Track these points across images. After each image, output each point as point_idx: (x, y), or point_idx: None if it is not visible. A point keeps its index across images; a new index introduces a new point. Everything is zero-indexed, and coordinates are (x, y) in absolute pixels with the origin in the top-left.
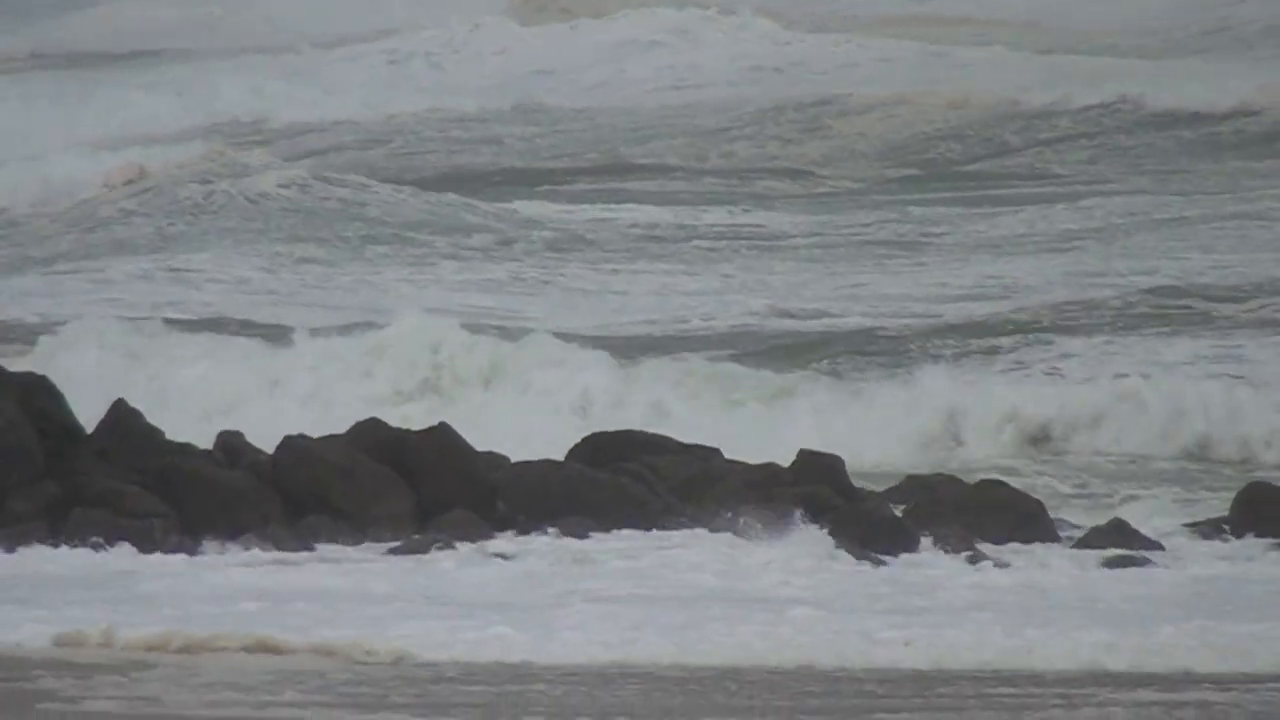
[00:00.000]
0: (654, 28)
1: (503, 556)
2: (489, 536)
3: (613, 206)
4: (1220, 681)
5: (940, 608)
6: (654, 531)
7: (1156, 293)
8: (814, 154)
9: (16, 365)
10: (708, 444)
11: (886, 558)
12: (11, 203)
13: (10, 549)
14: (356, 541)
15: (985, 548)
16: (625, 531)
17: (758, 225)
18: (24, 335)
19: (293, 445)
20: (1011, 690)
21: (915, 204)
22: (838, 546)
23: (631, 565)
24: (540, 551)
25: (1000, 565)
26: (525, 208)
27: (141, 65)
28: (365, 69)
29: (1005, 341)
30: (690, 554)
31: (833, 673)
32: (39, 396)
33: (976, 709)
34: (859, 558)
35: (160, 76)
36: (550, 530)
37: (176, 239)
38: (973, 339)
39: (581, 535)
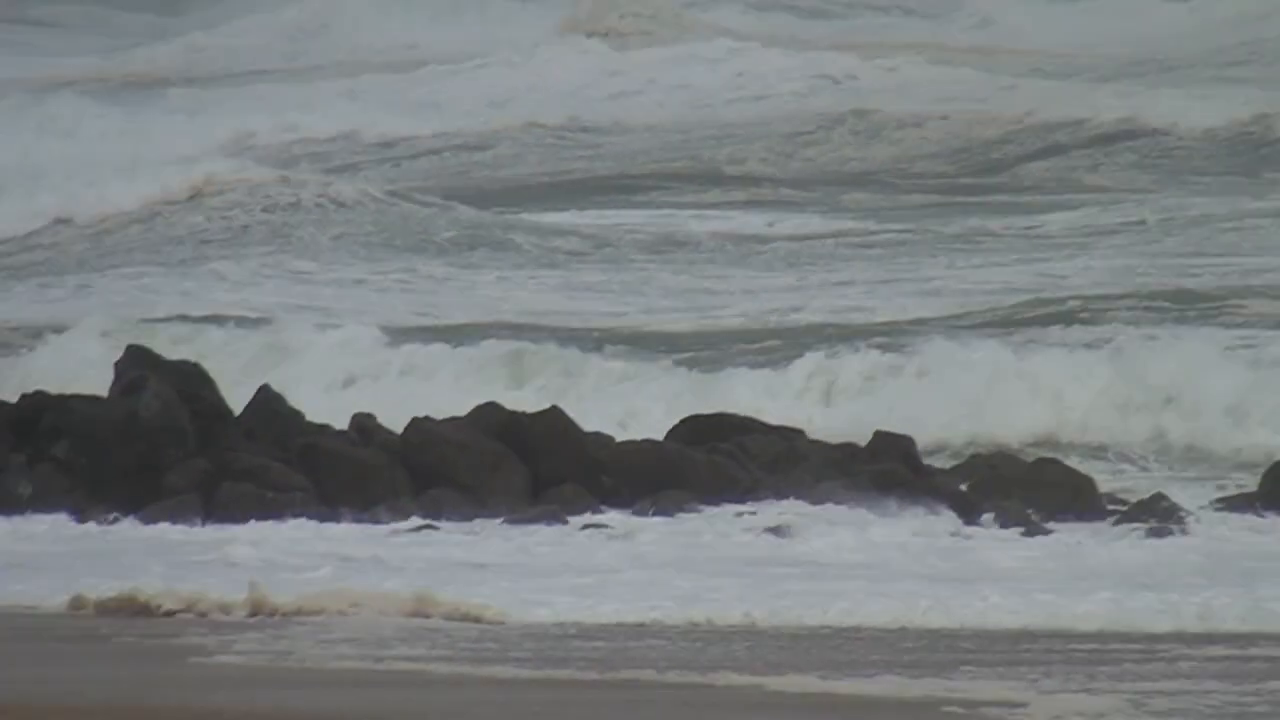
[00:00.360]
0: (719, 49)
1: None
2: (597, 510)
3: (705, 212)
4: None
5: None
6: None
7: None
8: (881, 159)
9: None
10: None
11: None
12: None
13: (155, 522)
14: (476, 514)
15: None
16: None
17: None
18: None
19: (420, 426)
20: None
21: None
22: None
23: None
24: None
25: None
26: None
27: (231, 85)
28: (450, 87)
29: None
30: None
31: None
32: (192, 382)
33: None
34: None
35: (255, 98)
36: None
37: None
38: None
39: (689, 509)
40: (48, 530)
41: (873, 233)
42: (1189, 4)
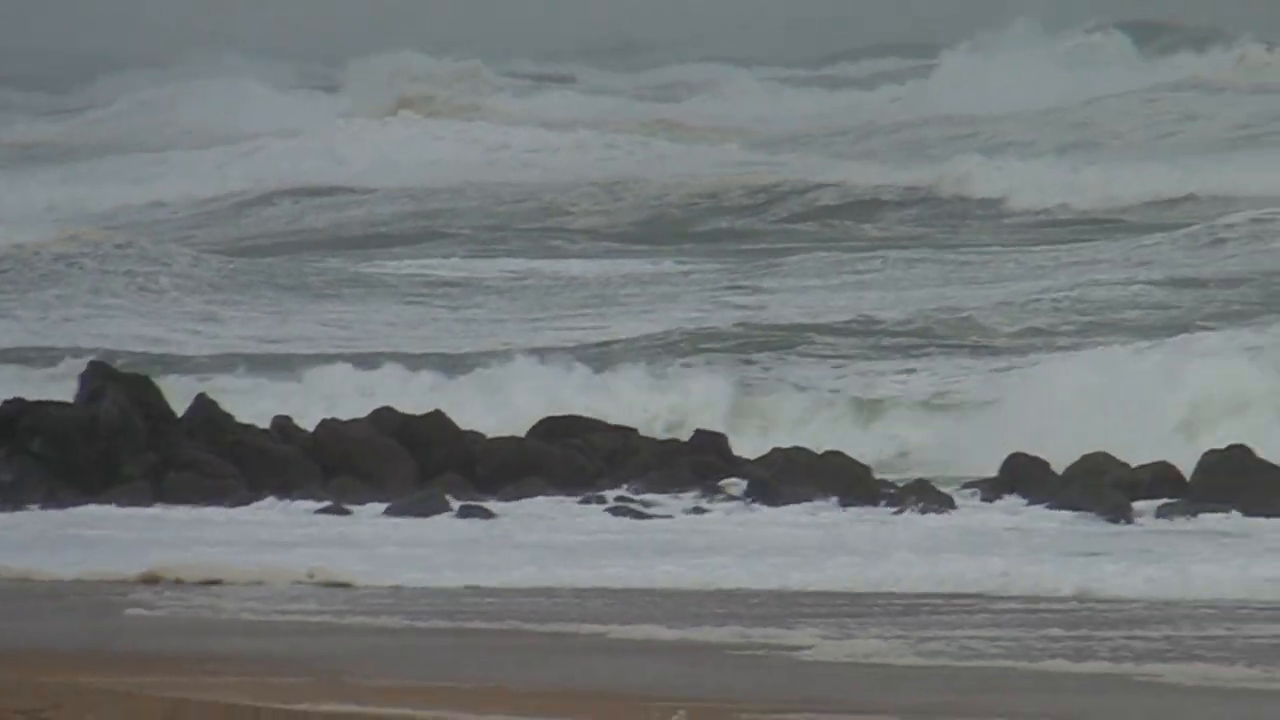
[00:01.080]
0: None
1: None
2: (473, 494)
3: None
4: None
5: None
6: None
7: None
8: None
9: None
10: None
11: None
12: None
13: (117, 504)
14: (373, 498)
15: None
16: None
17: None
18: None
19: (328, 425)
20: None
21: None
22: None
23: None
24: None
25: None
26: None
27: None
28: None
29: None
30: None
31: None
32: (143, 390)
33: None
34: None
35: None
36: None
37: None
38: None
39: (546, 494)
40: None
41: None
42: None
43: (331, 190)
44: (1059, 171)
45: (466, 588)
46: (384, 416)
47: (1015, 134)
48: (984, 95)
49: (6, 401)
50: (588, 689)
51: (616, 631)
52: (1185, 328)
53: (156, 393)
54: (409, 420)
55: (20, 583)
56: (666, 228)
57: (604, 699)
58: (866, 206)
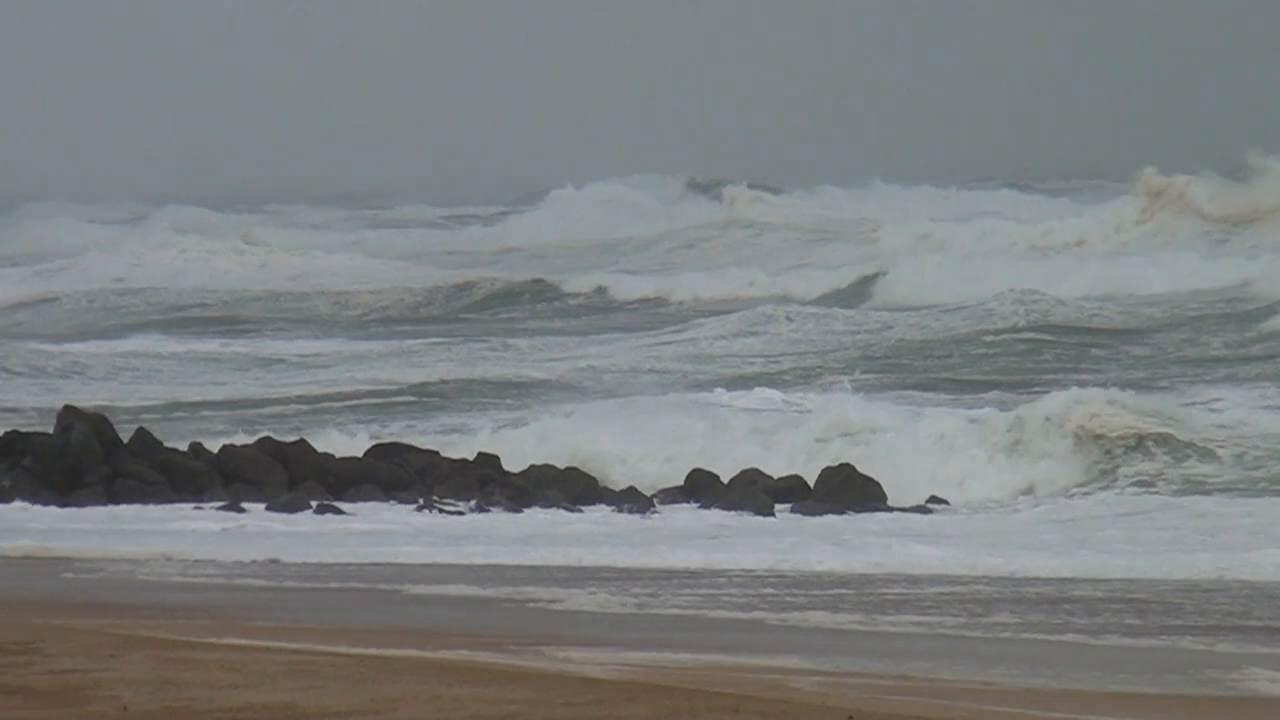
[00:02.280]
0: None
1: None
2: (325, 497)
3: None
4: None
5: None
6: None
7: None
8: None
9: None
10: None
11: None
12: None
13: (81, 505)
14: (258, 500)
15: None
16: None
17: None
18: None
19: (227, 448)
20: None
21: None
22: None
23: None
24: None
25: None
26: None
27: None
28: None
29: None
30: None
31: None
32: (101, 424)
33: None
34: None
35: None
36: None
37: None
38: None
39: (377, 499)
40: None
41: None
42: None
43: None
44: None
45: (323, 563)
46: (266, 442)
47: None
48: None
49: (6, 433)
50: (404, 627)
51: (429, 589)
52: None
53: (109, 425)
54: (282, 445)
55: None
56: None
57: (422, 634)
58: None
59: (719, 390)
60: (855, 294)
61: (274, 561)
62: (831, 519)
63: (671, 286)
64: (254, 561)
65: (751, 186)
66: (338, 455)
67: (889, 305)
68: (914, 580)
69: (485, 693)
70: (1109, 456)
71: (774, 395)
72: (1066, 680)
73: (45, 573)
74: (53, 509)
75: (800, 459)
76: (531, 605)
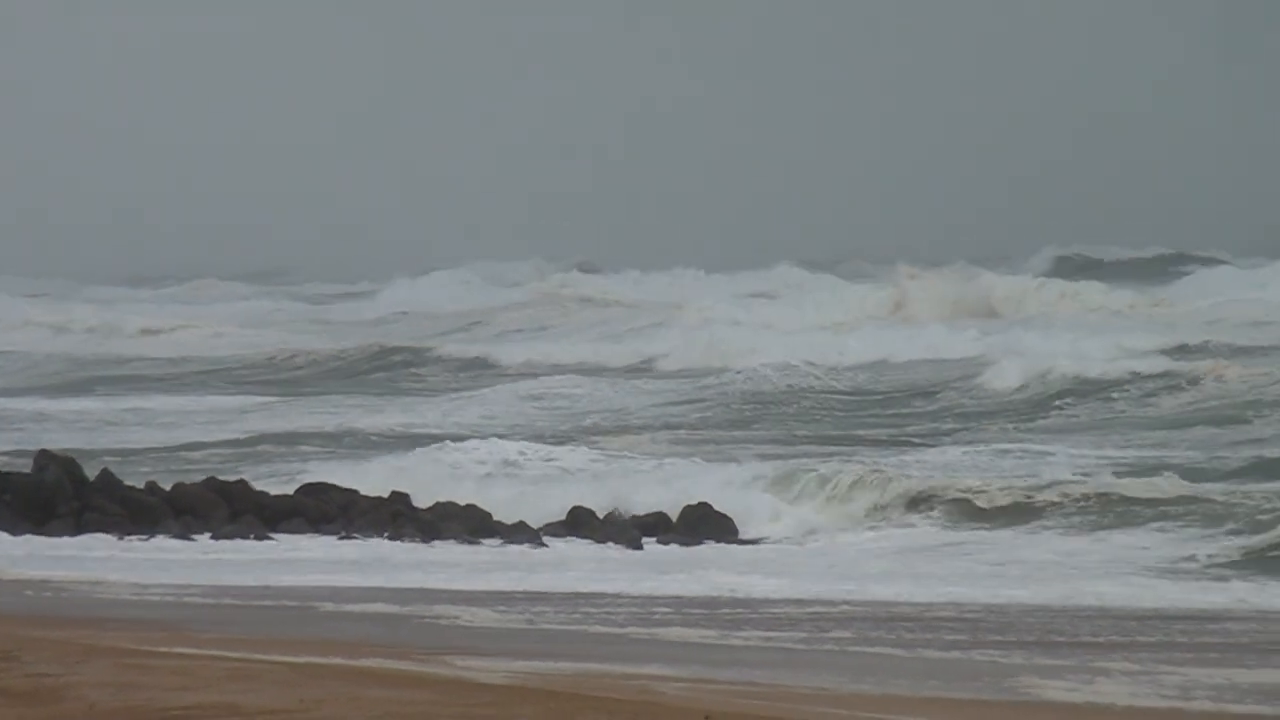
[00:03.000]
0: None
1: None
2: (261, 530)
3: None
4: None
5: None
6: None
7: None
8: None
9: None
10: None
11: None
12: None
13: (53, 535)
14: (203, 532)
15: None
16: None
17: None
18: None
19: (179, 486)
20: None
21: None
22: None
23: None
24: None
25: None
26: None
27: None
28: None
29: None
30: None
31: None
32: (71, 466)
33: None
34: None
35: None
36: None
37: None
38: None
39: (302, 531)
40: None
41: None
42: None
43: None
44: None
45: (260, 585)
46: (211, 481)
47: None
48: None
49: None
50: (329, 639)
51: (349, 607)
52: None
53: (78, 467)
54: (225, 483)
55: None
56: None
57: (344, 645)
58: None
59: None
60: (646, 365)
61: (218, 584)
62: (690, 549)
63: (496, 353)
64: (201, 584)
65: (583, 270)
66: (271, 493)
67: (673, 374)
68: (758, 603)
69: (397, 695)
70: (879, 508)
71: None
72: (888, 687)
73: (20, 592)
74: (28, 538)
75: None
76: (436, 621)
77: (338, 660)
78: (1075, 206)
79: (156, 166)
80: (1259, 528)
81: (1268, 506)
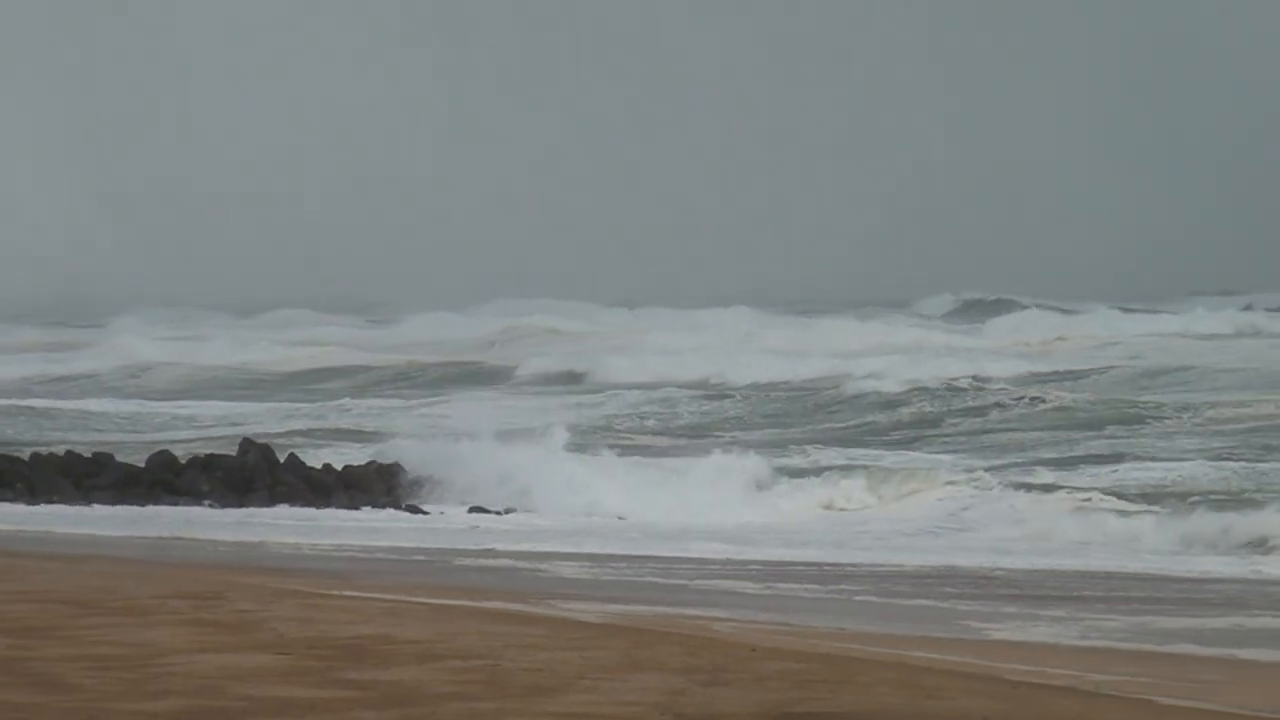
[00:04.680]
0: None
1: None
2: (414, 503)
3: None
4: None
5: None
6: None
7: None
8: None
9: None
10: None
11: None
12: None
13: (252, 506)
14: (365, 504)
15: None
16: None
17: None
18: None
19: (350, 468)
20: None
21: None
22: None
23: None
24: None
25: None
26: None
27: None
28: None
29: None
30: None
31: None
32: (265, 449)
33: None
34: None
35: None
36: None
37: None
38: None
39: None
40: None
41: None
42: None
43: None
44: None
45: (411, 546)
46: (372, 464)
47: None
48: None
49: (207, 455)
50: (461, 586)
51: (474, 562)
52: None
53: (271, 451)
54: (384, 465)
55: None
56: None
57: (466, 590)
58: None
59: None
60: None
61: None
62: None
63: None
64: (361, 544)
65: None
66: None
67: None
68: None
69: (514, 629)
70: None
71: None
72: (890, 628)
73: (227, 550)
74: (232, 510)
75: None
76: (544, 572)
77: (465, 602)
78: (977, 251)
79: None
80: None
81: None
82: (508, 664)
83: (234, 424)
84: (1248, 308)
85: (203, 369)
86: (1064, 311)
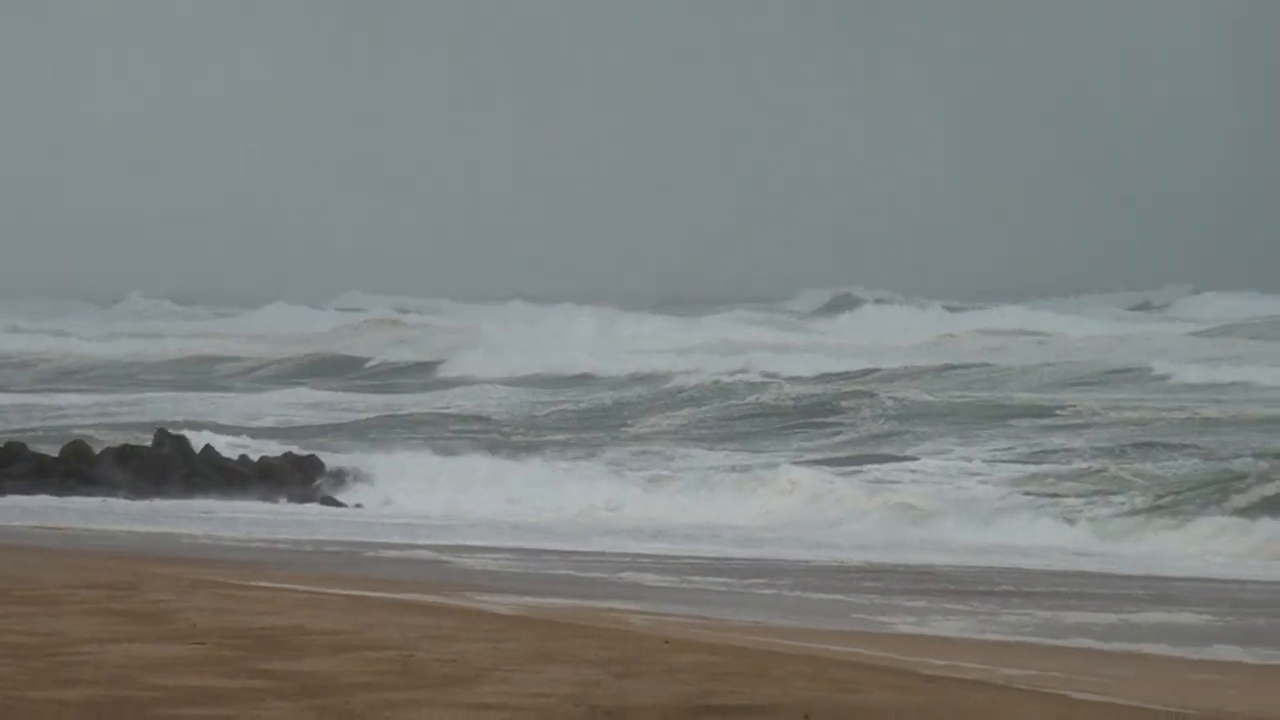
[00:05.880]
0: None
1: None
2: (331, 496)
3: None
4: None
5: None
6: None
7: None
8: None
9: None
10: None
11: None
12: None
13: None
14: (280, 495)
15: None
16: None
17: None
18: None
19: (265, 459)
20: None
21: None
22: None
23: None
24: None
25: None
26: None
27: None
28: None
29: None
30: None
31: None
32: (180, 440)
33: None
34: None
35: None
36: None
37: None
38: None
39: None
40: None
41: None
42: None
43: None
44: None
45: (326, 539)
46: (289, 455)
47: None
48: None
49: (122, 445)
50: (376, 577)
51: (390, 554)
52: None
53: (186, 441)
54: (300, 457)
55: None
56: None
57: (382, 581)
58: None
59: None
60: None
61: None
62: None
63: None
64: (279, 537)
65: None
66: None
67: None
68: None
69: (430, 621)
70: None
71: None
72: (807, 622)
73: (141, 540)
74: (145, 501)
75: None
76: (460, 565)
77: (383, 594)
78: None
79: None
80: None
81: None
82: (421, 655)
83: (105, 415)
84: (1142, 305)
85: (67, 359)
86: (919, 306)
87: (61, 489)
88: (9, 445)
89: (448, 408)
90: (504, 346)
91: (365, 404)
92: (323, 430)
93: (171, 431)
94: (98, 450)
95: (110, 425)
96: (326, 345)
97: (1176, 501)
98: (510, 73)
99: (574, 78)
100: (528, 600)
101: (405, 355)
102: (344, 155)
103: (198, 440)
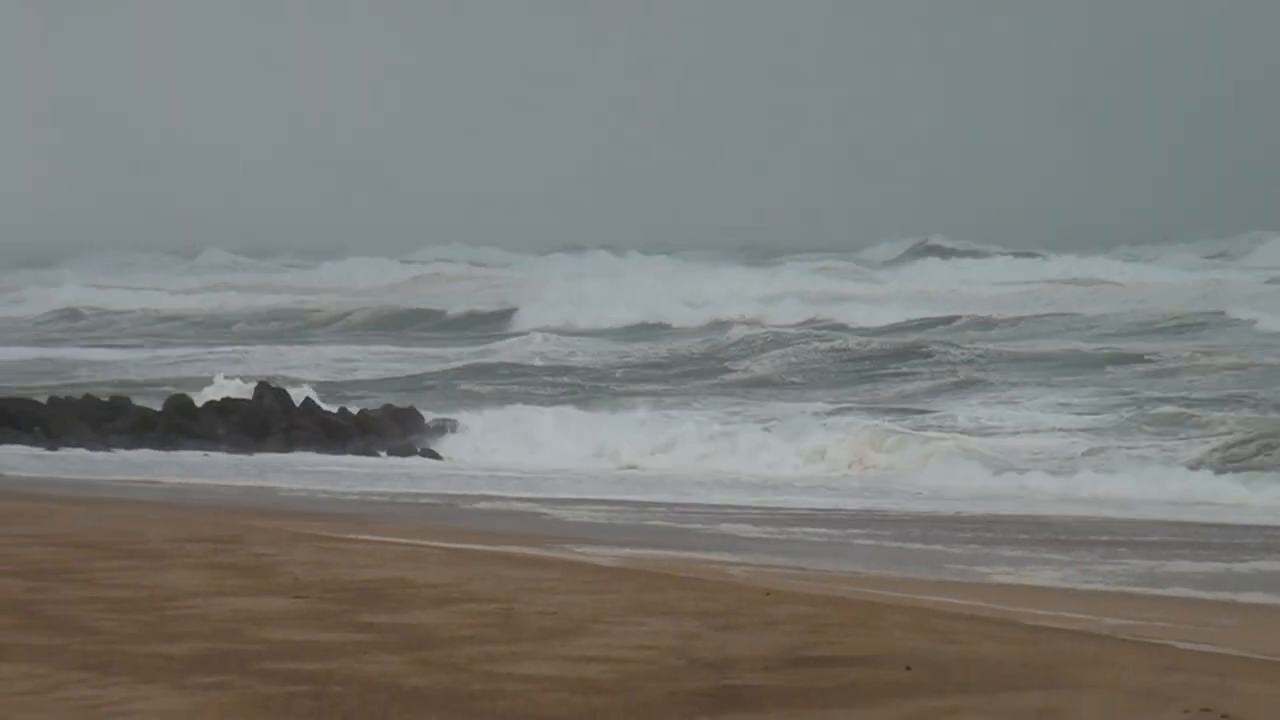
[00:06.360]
0: None
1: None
2: (430, 448)
3: None
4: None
5: None
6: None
7: None
8: None
9: None
10: None
11: None
12: None
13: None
14: (381, 448)
15: None
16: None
17: None
18: None
19: (365, 412)
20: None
21: None
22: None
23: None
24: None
25: None
26: None
27: None
28: None
29: None
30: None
31: None
32: (280, 393)
33: None
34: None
35: None
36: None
37: None
38: None
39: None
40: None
41: None
42: None
43: None
44: None
45: (426, 492)
46: (389, 408)
47: None
48: None
49: (223, 399)
50: (476, 530)
51: (490, 506)
52: None
53: (286, 395)
54: (399, 409)
55: None
56: None
57: (482, 534)
58: None
59: None
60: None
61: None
62: None
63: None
64: (379, 489)
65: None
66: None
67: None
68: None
69: (529, 574)
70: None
71: None
72: (898, 571)
73: (242, 494)
74: (244, 455)
75: None
76: (559, 517)
77: (481, 546)
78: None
79: None
80: None
81: None
82: (522, 607)
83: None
84: (1219, 254)
85: (154, 314)
86: (977, 256)
87: (164, 443)
88: (114, 400)
89: (531, 358)
90: (584, 297)
91: (454, 354)
92: (414, 380)
93: (271, 385)
94: (199, 404)
95: (203, 379)
96: (404, 297)
97: (1275, 447)
98: (586, 26)
99: (652, 33)
100: (628, 552)
101: (484, 305)
102: (417, 107)
103: (297, 394)
